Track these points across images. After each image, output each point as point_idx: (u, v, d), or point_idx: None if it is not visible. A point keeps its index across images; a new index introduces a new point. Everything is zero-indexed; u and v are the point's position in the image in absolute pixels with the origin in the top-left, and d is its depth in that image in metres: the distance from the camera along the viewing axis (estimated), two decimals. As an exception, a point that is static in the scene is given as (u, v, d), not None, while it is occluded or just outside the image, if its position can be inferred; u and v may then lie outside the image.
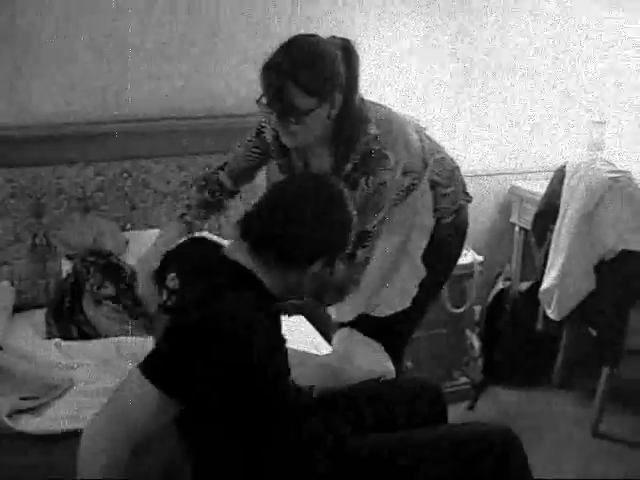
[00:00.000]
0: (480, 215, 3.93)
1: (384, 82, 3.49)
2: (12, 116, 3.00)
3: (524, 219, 3.78)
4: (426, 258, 2.45)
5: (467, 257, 3.44)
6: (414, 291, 2.45)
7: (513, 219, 3.91)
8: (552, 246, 3.28)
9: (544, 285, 3.31)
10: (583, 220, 3.07)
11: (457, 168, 2.49)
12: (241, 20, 3.22)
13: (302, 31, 2.05)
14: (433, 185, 2.36)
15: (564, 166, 3.29)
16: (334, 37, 2.04)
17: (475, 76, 3.72)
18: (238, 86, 3.24)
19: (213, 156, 3.23)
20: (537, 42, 3.78)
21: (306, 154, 2.19)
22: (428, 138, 2.41)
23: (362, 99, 2.10)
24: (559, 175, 3.31)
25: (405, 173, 2.17)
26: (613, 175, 3.02)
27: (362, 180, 2.05)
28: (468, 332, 3.62)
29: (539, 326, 3.50)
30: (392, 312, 2.45)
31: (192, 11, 3.16)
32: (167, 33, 3.15)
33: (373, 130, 2.05)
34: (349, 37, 2.06)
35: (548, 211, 3.35)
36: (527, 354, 3.67)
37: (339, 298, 2.17)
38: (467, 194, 2.54)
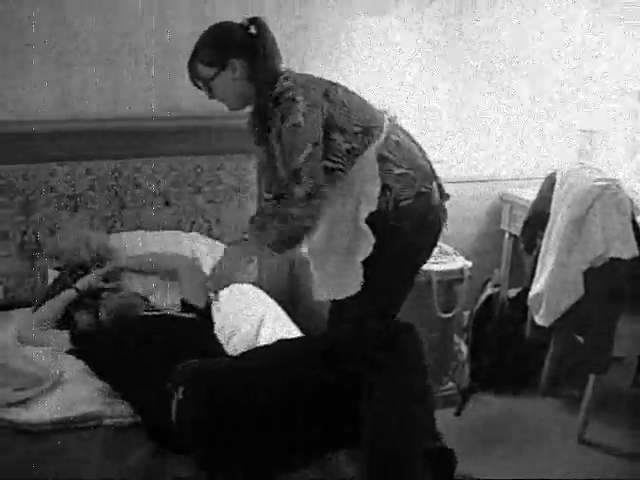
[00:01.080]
0: (470, 221, 3.95)
1: (377, 86, 3.50)
2: (3, 113, 2.98)
3: (514, 225, 3.80)
4: (381, 244, 2.47)
5: (457, 262, 3.45)
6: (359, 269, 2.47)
7: (503, 225, 3.92)
8: (541, 253, 3.29)
9: (533, 291, 3.32)
10: (572, 227, 3.08)
11: (422, 157, 2.54)
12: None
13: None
14: (381, 158, 2.43)
15: (554, 173, 3.30)
16: (249, 18, 2.43)
17: (468, 83, 3.73)
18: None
19: (204, 157, 3.24)
20: (530, 51, 3.80)
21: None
22: (393, 124, 2.54)
23: (278, 67, 2.42)
24: (549, 182, 3.32)
25: (336, 128, 2.35)
26: (602, 183, 3.03)
27: (280, 125, 2.31)
28: (456, 337, 3.62)
29: (527, 332, 3.50)
30: (345, 294, 2.51)
31: (193, 9, 3.18)
32: (163, 32, 3.15)
33: (286, 83, 2.33)
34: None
35: (538, 218, 3.36)
36: (515, 360, 3.67)
37: (291, 244, 2.42)
38: (433, 188, 2.55)
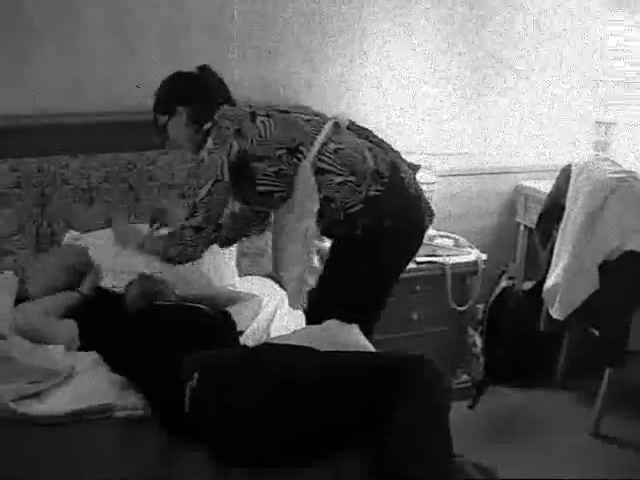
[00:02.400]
0: (485, 213, 3.94)
1: (388, 80, 3.49)
2: (18, 106, 2.99)
3: (529, 218, 3.78)
4: (336, 252, 2.62)
5: (471, 255, 3.45)
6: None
7: (518, 218, 3.91)
8: (557, 245, 3.27)
9: (548, 284, 3.30)
10: (588, 220, 3.06)
11: (359, 156, 2.53)
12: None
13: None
14: (319, 171, 2.49)
15: (570, 165, 3.28)
16: (198, 66, 2.63)
17: (482, 74, 3.71)
18: (242, 78, 3.24)
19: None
20: (544, 40, 3.78)
21: None
22: (340, 129, 2.59)
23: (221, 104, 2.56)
24: (565, 174, 3.30)
25: (257, 158, 2.48)
26: (619, 175, 3.02)
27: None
28: (470, 330, 3.62)
29: (542, 325, 3.48)
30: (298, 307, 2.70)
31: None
32: (172, 22, 3.15)
33: (207, 125, 2.53)
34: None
35: (553, 210, 3.34)
36: (529, 353, 3.66)
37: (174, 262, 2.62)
38: (392, 188, 2.54)
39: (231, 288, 3.05)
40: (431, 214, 2.69)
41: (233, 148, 2.46)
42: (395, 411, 1.87)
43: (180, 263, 2.62)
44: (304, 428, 1.95)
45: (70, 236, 3.05)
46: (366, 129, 2.69)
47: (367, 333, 2.58)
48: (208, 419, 2.01)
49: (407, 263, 2.79)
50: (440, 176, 3.55)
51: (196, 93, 2.59)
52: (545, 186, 3.57)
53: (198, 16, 3.18)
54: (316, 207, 2.49)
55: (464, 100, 3.69)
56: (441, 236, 3.58)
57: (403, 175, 2.57)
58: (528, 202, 3.81)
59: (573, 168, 3.24)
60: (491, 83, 3.74)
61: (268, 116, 2.53)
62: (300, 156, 2.49)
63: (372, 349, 2.45)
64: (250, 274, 3.33)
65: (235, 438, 1.95)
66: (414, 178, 2.65)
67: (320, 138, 2.51)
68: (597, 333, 3.28)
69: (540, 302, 3.42)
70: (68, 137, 3.03)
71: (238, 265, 3.23)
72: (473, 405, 3.51)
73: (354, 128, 2.66)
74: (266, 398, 1.97)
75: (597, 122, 3.76)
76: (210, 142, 2.47)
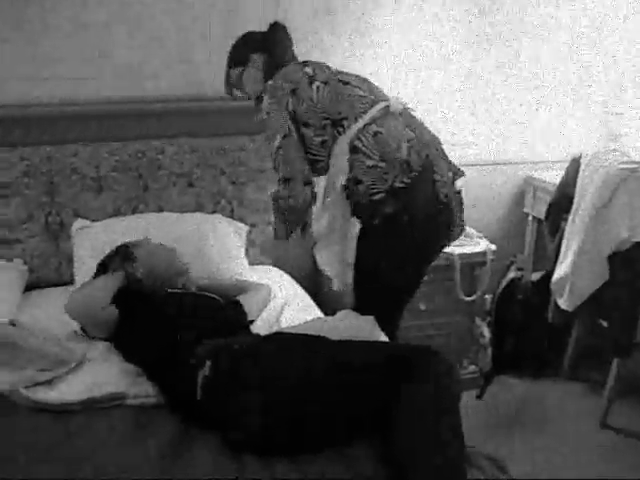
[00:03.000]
0: (494, 204, 3.94)
1: (400, 68, 3.48)
2: (27, 95, 2.99)
3: (538, 209, 3.77)
4: (362, 237, 2.54)
5: (480, 245, 3.45)
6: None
7: (527, 209, 3.90)
8: (565, 236, 3.27)
9: (556, 275, 3.29)
10: (597, 211, 3.05)
11: (395, 146, 2.47)
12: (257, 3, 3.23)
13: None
14: (354, 149, 2.49)
15: (579, 156, 3.27)
16: (271, 23, 2.72)
17: (492, 64, 3.69)
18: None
19: (227, 138, 3.23)
20: (555, 31, 3.75)
21: None
22: (388, 114, 2.54)
23: (291, 62, 2.66)
24: (574, 165, 3.29)
25: (303, 123, 2.51)
26: (628, 166, 3.00)
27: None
28: (478, 321, 3.61)
29: (550, 316, 3.48)
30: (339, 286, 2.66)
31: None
32: (183, 14, 3.14)
33: (270, 82, 2.58)
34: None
35: (562, 201, 3.33)
36: (537, 344, 3.66)
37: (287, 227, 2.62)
38: (415, 184, 2.48)
39: (240, 277, 3.04)
40: (461, 228, 2.65)
41: (289, 106, 2.51)
42: (405, 401, 1.87)
43: (295, 223, 2.63)
44: (315, 416, 1.95)
45: (79, 224, 3.05)
46: (419, 121, 2.62)
47: (390, 327, 2.60)
48: (220, 407, 2.01)
49: (423, 267, 2.71)
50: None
51: (269, 42, 2.69)
52: (554, 177, 3.56)
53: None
54: (340, 183, 2.49)
55: (474, 91, 3.68)
56: (450, 227, 3.57)
57: (437, 177, 2.50)
58: (537, 193, 3.80)
59: (583, 159, 3.23)
60: (501, 74, 3.72)
61: (325, 83, 2.55)
62: (341, 130, 2.50)
63: (385, 340, 2.45)
64: (259, 263, 3.33)
65: (247, 426, 1.96)
66: (452, 184, 2.57)
67: (366, 117, 2.50)
68: (605, 324, 3.28)
69: (548, 293, 3.42)
70: (78, 126, 3.03)
71: (247, 254, 3.23)
72: (481, 395, 3.51)
73: (406, 115, 2.59)
74: (278, 386, 1.98)
75: (607, 113, 3.75)
76: (266, 100, 2.55)
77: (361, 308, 2.58)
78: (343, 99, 2.53)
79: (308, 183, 2.51)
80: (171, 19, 3.13)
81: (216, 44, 3.13)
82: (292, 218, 2.59)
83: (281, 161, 2.50)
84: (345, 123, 2.50)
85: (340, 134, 2.50)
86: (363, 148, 2.46)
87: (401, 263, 2.55)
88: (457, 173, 2.62)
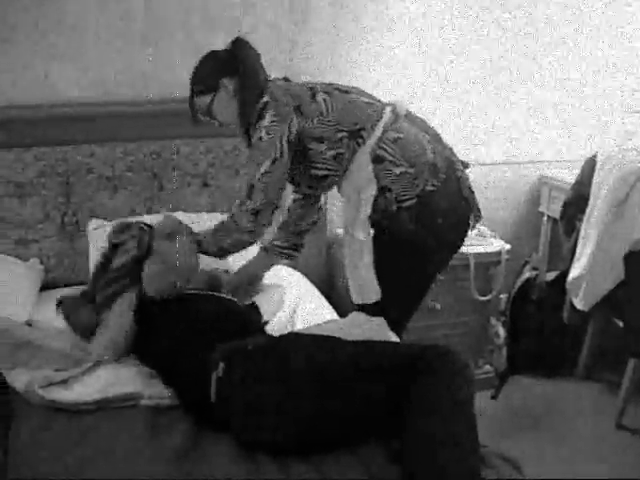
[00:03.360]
0: (509, 203, 3.93)
1: (412, 68, 3.48)
2: (43, 95, 3.01)
3: (553, 208, 3.76)
4: (385, 244, 2.53)
5: (494, 245, 3.44)
6: (371, 275, 2.54)
7: (542, 208, 3.89)
8: (581, 236, 3.26)
9: (572, 275, 3.28)
10: (613, 210, 3.04)
11: (431, 150, 2.48)
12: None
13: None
14: (377, 159, 2.43)
15: (595, 155, 3.26)
16: (232, 40, 2.49)
17: (507, 64, 3.68)
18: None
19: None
20: (569, 30, 3.74)
21: None
22: (399, 118, 2.51)
23: (266, 80, 2.48)
24: (590, 164, 3.28)
25: (315, 138, 2.41)
26: (645, 165, 2.99)
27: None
28: (493, 320, 3.60)
29: (565, 316, 3.47)
30: (362, 301, 2.59)
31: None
32: (197, 11, 3.15)
33: (265, 98, 2.40)
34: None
35: (577, 200, 3.32)
36: (552, 344, 3.65)
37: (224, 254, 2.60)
38: (446, 183, 2.48)
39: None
40: (479, 215, 2.63)
41: (293, 126, 2.37)
42: (418, 401, 1.87)
43: (233, 253, 2.59)
44: (329, 417, 1.95)
45: (94, 224, 3.07)
46: (422, 120, 2.60)
47: (399, 328, 2.59)
48: (234, 409, 2.01)
49: (447, 261, 2.73)
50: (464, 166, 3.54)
51: (238, 63, 2.46)
52: (569, 176, 3.55)
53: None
54: (372, 197, 2.44)
55: (489, 90, 3.67)
56: (464, 226, 3.57)
57: (459, 173, 2.53)
58: (552, 192, 3.79)
59: (598, 158, 3.22)
60: (516, 72, 3.71)
61: (329, 94, 2.46)
62: (360, 141, 2.43)
63: (397, 341, 2.45)
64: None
65: (261, 428, 1.96)
66: (467, 177, 2.58)
67: (381, 124, 2.45)
68: (621, 324, 3.27)
69: (564, 293, 3.41)
70: (93, 126, 3.04)
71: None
72: (496, 395, 3.50)
73: (411, 117, 2.58)
74: (291, 387, 1.97)
75: (623, 111, 3.72)
76: (268, 118, 2.36)
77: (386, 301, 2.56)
78: (353, 108, 2.46)
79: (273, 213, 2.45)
80: (187, 19, 3.14)
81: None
82: (232, 250, 2.56)
83: (261, 190, 2.37)
84: (364, 133, 2.43)
85: (360, 145, 2.43)
86: (389, 157, 2.43)
87: (430, 262, 2.60)
88: (465, 166, 2.62)
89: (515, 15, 3.63)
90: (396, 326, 2.53)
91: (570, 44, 3.76)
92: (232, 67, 2.46)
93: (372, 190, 2.43)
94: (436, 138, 2.56)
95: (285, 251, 2.74)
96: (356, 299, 2.62)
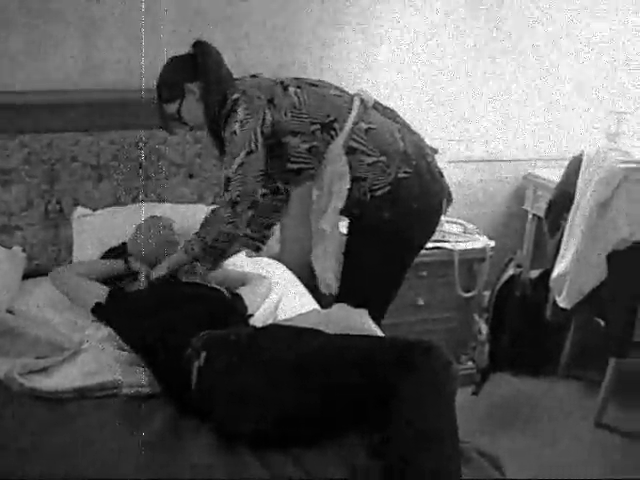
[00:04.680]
0: (494, 201, 3.94)
1: (399, 64, 3.47)
2: (29, 82, 2.99)
3: (537, 206, 3.77)
4: (358, 233, 2.58)
5: (479, 242, 3.45)
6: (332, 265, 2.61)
7: (526, 206, 3.90)
8: (565, 234, 3.27)
9: (555, 273, 3.30)
10: (597, 209, 3.05)
11: (401, 138, 2.52)
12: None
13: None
14: (350, 151, 2.45)
15: (580, 155, 3.27)
16: (193, 43, 2.53)
17: (494, 62, 3.68)
18: (254, 55, 3.23)
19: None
20: (556, 29, 3.74)
21: None
22: (368, 109, 2.54)
23: (232, 79, 2.52)
24: (575, 164, 3.29)
25: (289, 132, 2.43)
26: (629, 166, 3.00)
27: (223, 137, 2.46)
28: (476, 317, 3.61)
29: (548, 314, 3.49)
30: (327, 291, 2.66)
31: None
32: (187, 2, 3.14)
33: (233, 97, 2.43)
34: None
35: (562, 199, 3.34)
36: (534, 342, 3.66)
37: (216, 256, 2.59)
38: (419, 170, 2.52)
39: (239, 269, 3.04)
40: (450, 198, 2.67)
41: (266, 119, 2.39)
42: (402, 395, 1.87)
43: (222, 251, 2.57)
44: (310, 409, 1.95)
45: (79, 213, 3.05)
46: (390, 109, 2.64)
47: (378, 318, 2.61)
48: (214, 398, 2.01)
49: (422, 247, 2.77)
50: (450, 162, 3.54)
51: (202, 66, 2.50)
52: (555, 175, 3.56)
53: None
54: (347, 186, 2.45)
55: (475, 87, 3.67)
56: (449, 222, 3.58)
57: (429, 159, 2.57)
58: (537, 191, 3.80)
59: (584, 157, 3.23)
60: (503, 70, 3.72)
61: (299, 87, 2.47)
62: (333, 133, 2.45)
63: (381, 334, 2.45)
64: (257, 255, 3.33)
65: (241, 418, 1.96)
66: (436, 162, 2.62)
67: (352, 116, 2.47)
68: (603, 323, 3.29)
69: (547, 290, 3.43)
70: (79, 114, 3.02)
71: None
72: (477, 392, 3.51)
73: (379, 107, 2.61)
74: (272, 378, 1.97)
75: (610, 111, 3.74)
76: (241, 112, 2.38)
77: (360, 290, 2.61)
78: (324, 100, 2.48)
79: (252, 207, 2.45)
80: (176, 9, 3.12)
81: (223, 32, 3.14)
82: (221, 246, 2.54)
83: (237, 181, 2.40)
84: (336, 125, 2.45)
85: (333, 137, 2.45)
86: (361, 147, 2.46)
87: (407, 249, 2.67)
88: (434, 151, 2.67)
89: (504, 14, 3.63)
90: (374, 316, 2.54)
91: (556, 44, 3.76)
92: (195, 71, 2.50)
93: (345, 183, 2.46)
94: (405, 126, 2.60)
95: (253, 242, 2.72)
96: (322, 289, 2.68)
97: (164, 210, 3.10)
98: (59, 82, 3.03)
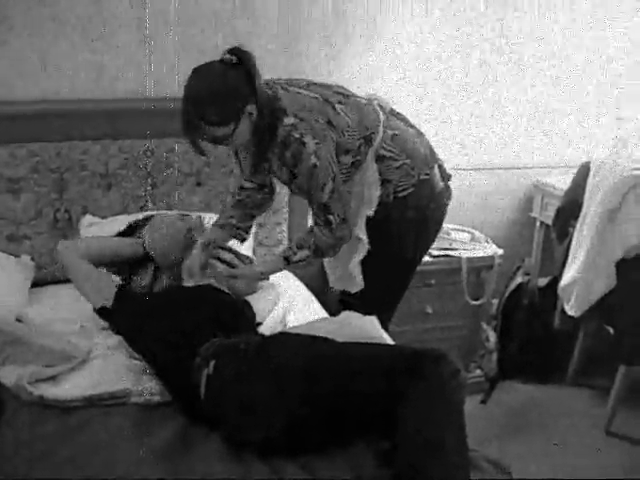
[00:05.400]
0: (502, 208, 3.93)
1: (405, 72, 3.47)
2: (38, 92, 3.00)
3: (546, 214, 3.77)
4: (378, 233, 2.59)
5: (487, 249, 3.45)
6: (357, 269, 2.64)
7: (535, 214, 3.89)
8: (573, 242, 3.26)
9: (564, 281, 3.29)
10: (606, 217, 3.04)
11: (419, 142, 2.59)
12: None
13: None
14: (380, 158, 2.49)
15: (588, 162, 3.27)
16: (228, 50, 2.27)
17: (501, 70, 3.68)
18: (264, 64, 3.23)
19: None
20: (565, 37, 3.74)
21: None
22: (388, 115, 2.57)
23: (275, 95, 2.34)
24: (583, 171, 3.29)
25: (344, 151, 2.40)
26: (637, 173, 2.99)
27: (296, 170, 2.35)
28: (484, 325, 3.61)
29: (556, 322, 3.48)
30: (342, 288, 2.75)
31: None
32: (191, 8, 3.14)
33: (287, 120, 2.29)
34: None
35: (571, 207, 3.33)
36: (543, 349, 3.65)
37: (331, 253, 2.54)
38: (434, 172, 2.61)
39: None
40: (450, 194, 2.74)
41: (332, 142, 2.35)
42: (411, 404, 1.87)
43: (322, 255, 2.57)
44: (319, 417, 1.95)
45: (87, 221, 3.06)
46: (402, 114, 2.67)
47: (386, 322, 2.65)
48: (223, 407, 2.02)
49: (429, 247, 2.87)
50: (459, 169, 3.54)
51: (253, 83, 2.25)
52: (563, 183, 3.56)
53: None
54: (377, 193, 2.51)
55: (483, 94, 3.67)
56: (458, 230, 3.58)
57: (440, 161, 2.66)
58: (545, 198, 3.79)
59: (592, 165, 3.23)
60: (510, 78, 3.71)
61: (341, 103, 2.44)
62: (370, 144, 2.48)
63: (390, 341, 2.45)
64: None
65: (250, 426, 1.96)
66: (443, 163, 2.71)
67: (381, 125, 2.50)
68: (612, 331, 3.28)
69: (555, 298, 3.42)
70: (88, 123, 3.03)
71: (254, 254, 3.23)
72: (485, 400, 3.50)
73: (394, 112, 2.64)
74: (281, 386, 1.97)
75: (617, 118, 3.74)
76: (311, 143, 2.28)
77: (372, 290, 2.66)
78: (362, 113, 2.48)
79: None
80: (181, 17, 3.13)
81: (229, 39, 3.13)
82: (330, 254, 2.55)
83: (335, 201, 2.38)
84: (373, 137, 2.47)
85: (369, 149, 2.48)
86: (389, 154, 2.50)
87: (423, 248, 2.78)
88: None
89: (508, 21, 3.63)
90: (382, 319, 2.57)
91: (564, 51, 3.76)
92: (251, 89, 2.25)
93: (376, 190, 2.51)
94: (418, 130, 2.65)
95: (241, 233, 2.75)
96: (336, 285, 2.77)
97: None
98: (67, 91, 3.04)
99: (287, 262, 2.53)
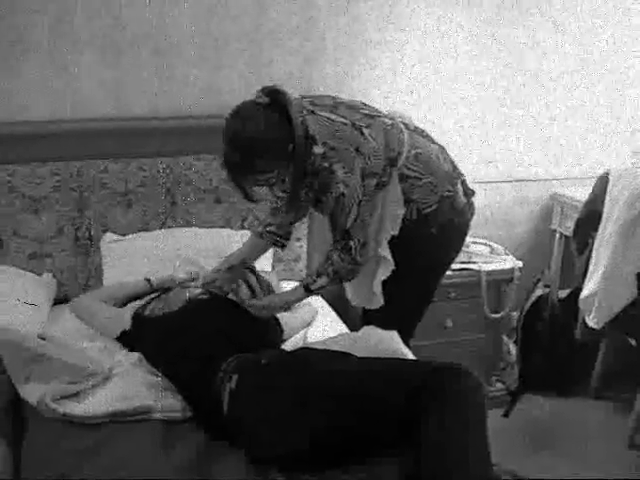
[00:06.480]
0: (521, 220, 3.93)
1: (422, 84, 3.48)
2: (59, 111, 3.03)
3: (565, 226, 3.75)
4: (400, 249, 2.59)
5: (507, 262, 3.44)
6: (379, 287, 2.65)
7: (554, 225, 3.88)
8: (593, 253, 3.24)
9: (584, 292, 3.27)
10: (626, 227, 3.03)
11: (443, 159, 2.59)
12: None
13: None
14: (403, 178, 2.49)
15: (607, 173, 3.25)
16: (262, 90, 2.27)
17: (518, 81, 3.68)
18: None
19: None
20: (582, 47, 3.74)
21: None
22: (412, 133, 2.57)
23: (303, 121, 2.30)
24: (602, 182, 3.27)
25: (369, 174, 2.38)
26: (657, 183, 2.98)
27: (323, 197, 2.36)
28: (505, 338, 3.59)
29: (577, 334, 3.45)
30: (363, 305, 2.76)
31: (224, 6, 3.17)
32: (207, 26, 3.17)
33: (317, 150, 2.29)
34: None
35: (590, 218, 3.31)
36: (564, 362, 3.63)
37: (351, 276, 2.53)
38: (457, 189, 2.63)
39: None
40: (473, 209, 2.75)
41: (360, 167, 2.34)
42: (433, 419, 1.86)
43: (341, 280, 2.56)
44: (341, 432, 1.95)
45: (108, 239, 3.08)
46: (425, 130, 2.67)
47: (407, 338, 2.65)
48: (246, 421, 2.02)
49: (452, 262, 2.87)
50: (477, 182, 3.54)
51: (294, 128, 2.24)
52: (581, 194, 3.54)
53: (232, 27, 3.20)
54: (402, 212, 2.52)
55: (501, 107, 3.67)
56: (477, 243, 3.57)
57: (463, 177, 2.67)
58: (564, 210, 3.78)
59: (611, 176, 3.21)
60: (528, 90, 3.71)
61: (368, 126, 2.41)
62: (395, 164, 2.48)
63: (411, 356, 2.45)
64: (285, 279, 3.34)
65: (272, 442, 1.96)
66: (466, 180, 2.72)
67: (406, 145, 2.49)
68: (634, 342, 3.25)
69: (576, 310, 3.39)
70: (107, 142, 3.06)
71: (273, 270, 3.24)
72: (507, 413, 3.49)
73: (418, 130, 2.64)
74: (303, 402, 1.98)
75: (635, 129, 3.73)
76: (340, 172, 2.29)
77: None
78: (388, 134, 2.47)
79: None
80: (195, 38, 3.16)
81: (241, 59, 3.18)
82: (349, 278, 2.54)
83: (358, 228, 2.40)
84: (398, 157, 2.48)
85: (393, 170, 2.48)
86: (413, 173, 2.50)
87: (446, 263, 2.80)
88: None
89: (525, 35, 3.63)
90: (404, 335, 2.58)
91: (582, 62, 3.75)
92: (290, 131, 2.24)
93: (400, 209, 2.51)
94: (440, 146, 2.66)
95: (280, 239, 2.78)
96: (356, 302, 2.78)
97: (192, 234, 3.13)
98: (88, 110, 3.07)
99: (308, 291, 2.53)
